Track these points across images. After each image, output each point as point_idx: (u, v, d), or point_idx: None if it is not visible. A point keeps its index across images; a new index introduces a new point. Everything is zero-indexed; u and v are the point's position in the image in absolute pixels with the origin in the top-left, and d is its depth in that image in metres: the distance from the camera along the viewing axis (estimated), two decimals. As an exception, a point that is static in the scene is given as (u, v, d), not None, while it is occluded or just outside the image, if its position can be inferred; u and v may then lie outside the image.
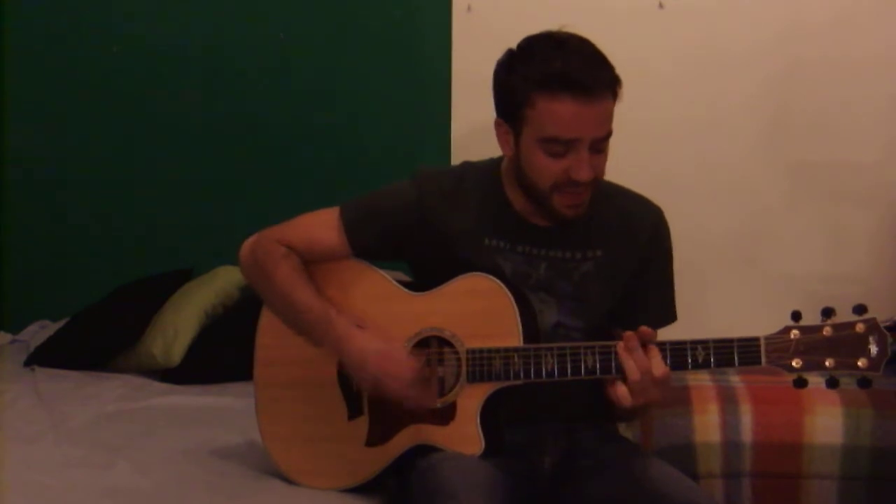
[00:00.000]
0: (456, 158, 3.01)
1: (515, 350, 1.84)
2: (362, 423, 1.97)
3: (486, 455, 1.85)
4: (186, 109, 3.36)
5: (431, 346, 1.92)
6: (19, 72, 3.42)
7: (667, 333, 1.89)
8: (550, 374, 1.82)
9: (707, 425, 2.50)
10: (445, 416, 1.89)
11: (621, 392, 1.76)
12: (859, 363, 1.67)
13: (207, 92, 3.34)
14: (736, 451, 2.48)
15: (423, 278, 1.98)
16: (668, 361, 1.75)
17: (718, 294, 2.97)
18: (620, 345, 1.77)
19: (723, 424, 2.49)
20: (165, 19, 3.35)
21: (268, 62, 3.30)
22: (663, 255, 2.01)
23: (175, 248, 3.36)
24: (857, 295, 1.79)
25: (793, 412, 2.48)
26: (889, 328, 1.68)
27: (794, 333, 1.71)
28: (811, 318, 1.71)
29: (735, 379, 2.61)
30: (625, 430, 2.28)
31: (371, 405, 1.96)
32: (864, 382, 1.69)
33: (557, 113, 1.78)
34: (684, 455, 2.46)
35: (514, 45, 1.88)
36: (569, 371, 1.81)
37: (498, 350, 1.85)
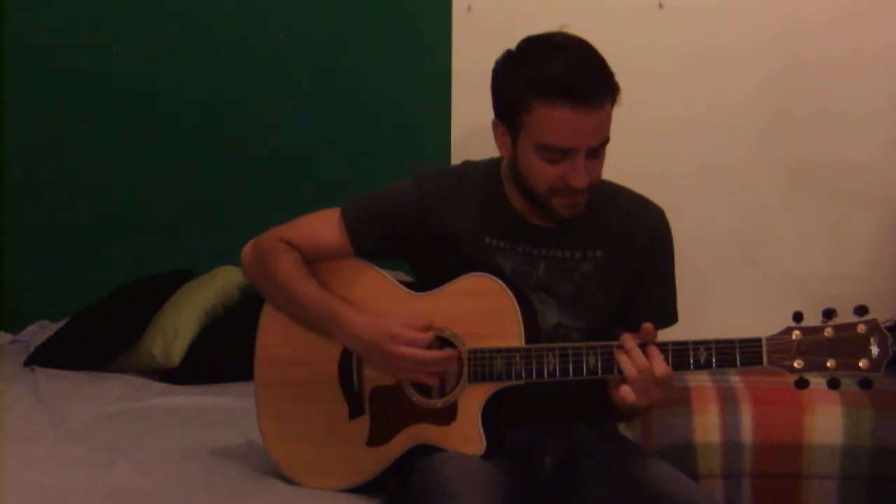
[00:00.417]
0: (456, 158, 3.00)
1: (517, 350, 1.84)
2: (363, 423, 1.97)
3: (487, 455, 1.85)
4: (186, 109, 3.36)
5: (433, 345, 1.91)
6: (19, 72, 3.42)
7: (667, 334, 1.89)
8: (552, 374, 1.82)
9: (707, 425, 2.50)
10: (447, 416, 1.89)
11: (623, 390, 1.76)
12: (860, 364, 1.67)
13: (207, 92, 3.34)
14: (736, 451, 2.48)
15: (425, 278, 1.98)
16: (670, 362, 1.75)
17: (718, 294, 2.97)
18: (617, 347, 1.77)
19: (723, 425, 2.49)
20: (165, 19, 3.35)
21: (268, 62, 3.30)
22: (664, 255, 2.01)
23: (175, 248, 3.36)
24: (857, 295, 1.79)
25: (793, 412, 2.48)
26: (890, 328, 1.68)
27: (796, 334, 1.71)
28: (812, 318, 1.71)
29: (735, 379, 2.61)
30: (625, 430, 2.28)
31: (372, 404, 1.96)
32: (865, 383, 1.69)
33: (555, 121, 1.77)
34: (684, 455, 2.46)
35: (513, 45, 1.88)
36: (570, 371, 1.81)
37: (500, 350, 1.85)
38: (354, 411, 1.98)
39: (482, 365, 1.86)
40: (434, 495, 1.75)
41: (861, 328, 1.68)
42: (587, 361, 1.80)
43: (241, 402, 2.50)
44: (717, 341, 1.74)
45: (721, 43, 2.95)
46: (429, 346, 1.86)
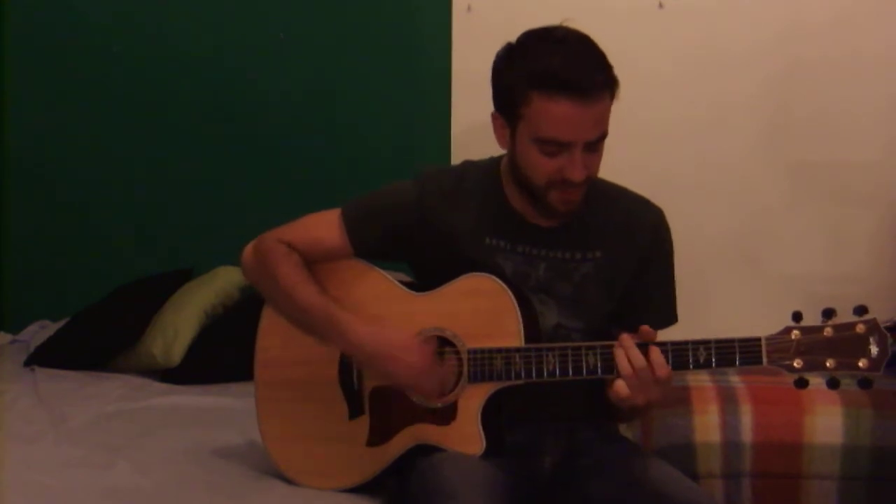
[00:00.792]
0: (456, 158, 3.00)
1: (517, 350, 1.84)
2: (363, 423, 1.97)
3: (486, 455, 1.85)
4: (186, 109, 3.36)
5: (433, 345, 1.91)
6: (19, 72, 3.42)
7: (667, 334, 1.89)
8: (552, 374, 1.82)
9: (707, 425, 2.49)
10: (446, 415, 1.89)
11: (618, 384, 1.75)
12: (860, 363, 1.67)
13: (208, 92, 3.34)
14: (736, 451, 2.48)
15: (425, 278, 1.98)
16: (670, 361, 1.75)
17: (718, 294, 2.97)
18: (615, 345, 1.77)
19: (723, 424, 2.49)
20: (166, 20, 3.35)
21: (268, 62, 3.30)
22: (664, 256, 2.01)
23: (175, 248, 3.36)
24: (857, 295, 1.79)
25: (793, 412, 2.48)
26: (889, 329, 1.68)
27: (795, 334, 1.71)
28: (812, 318, 1.71)
29: (735, 379, 2.61)
30: (625, 430, 2.27)
31: (372, 405, 1.96)
32: (864, 383, 1.69)
33: (553, 114, 1.78)
34: (684, 455, 2.46)
35: (514, 42, 1.89)
36: (570, 371, 1.81)
37: (499, 350, 1.85)
38: (354, 411, 1.98)
39: (482, 365, 1.86)
40: (434, 495, 1.75)
41: (860, 328, 1.68)
42: (587, 361, 1.80)
43: (241, 402, 2.49)
44: (717, 341, 1.74)
45: (721, 43, 2.95)
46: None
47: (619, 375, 1.76)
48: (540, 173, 1.83)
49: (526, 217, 1.94)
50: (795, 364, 1.70)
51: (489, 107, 1.94)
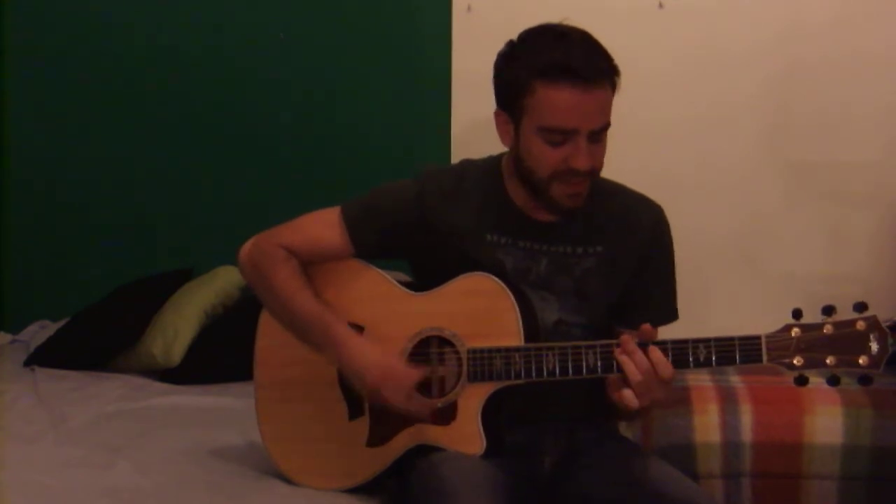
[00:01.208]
0: (456, 157, 2.99)
1: (516, 349, 1.84)
2: (363, 424, 1.97)
3: (486, 455, 1.85)
4: (186, 109, 3.36)
5: (432, 345, 1.91)
6: (19, 72, 3.42)
7: (667, 333, 1.89)
8: (551, 373, 1.82)
9: (707, 425, 2.49)
10: (446, 415, 1.88)
11: (627, 395, 1.75)
12: (860, 360, 1.67)
13: (207, 92, 3.34)
14: (736, 451, 2.48)
15: (424, 278, 1.98)
16: (670, 360, 1.75)
17: (718, 294, 2.97)
18: (618, 350, 1.77)
19: (723, 424, 2.49)
20: (165, 20, 3.35)
21: (268, 62, 3.30)
22: (664, 252, 2.01)
23: (175, 248, 3.36)
24: (856, 295, 1.79)
25: (793, 412, 2.48)
26: (890, 328, 1.68)
27: (795, 331, 1.71)
28: (811, 317, 1.71)
29: (735, 379, 2.61)
30: (625, 430, 2.28)
31: (372, 405, 1.96)
32: (864, 380, 1.69)
33: (557, 101, 1.79)
34: (684, 455, 2.46)
35: (514, 42, 1.90)
36: (570, 370, 1.81)
37: (499, 350, 1.85)
38: (354, 412, 1.98)
39: (481, 364, 1.86)
40: (434, 495, 1.75)
41: (860, 325, 1.68)
42: (587, 360, 1.80)
43: (241, 402, 2.49)
44: (717, 339, 1.74)
45: (721, 43, 2.95)
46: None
47: (621, 376, 1.76)
48: (545, 164, 1.83)
49: (527, 213, 1.94)
50: (795, 362, 1.70)
51: (489, 106, 1.94)
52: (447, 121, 3.11)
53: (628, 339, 1.76)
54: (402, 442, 1.93)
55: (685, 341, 1.75)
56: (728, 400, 2.52)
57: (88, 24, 3.39)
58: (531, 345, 1.84)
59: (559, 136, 1.81)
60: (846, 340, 1.68)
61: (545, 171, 1.84)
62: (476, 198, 1.96)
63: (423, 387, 1.91)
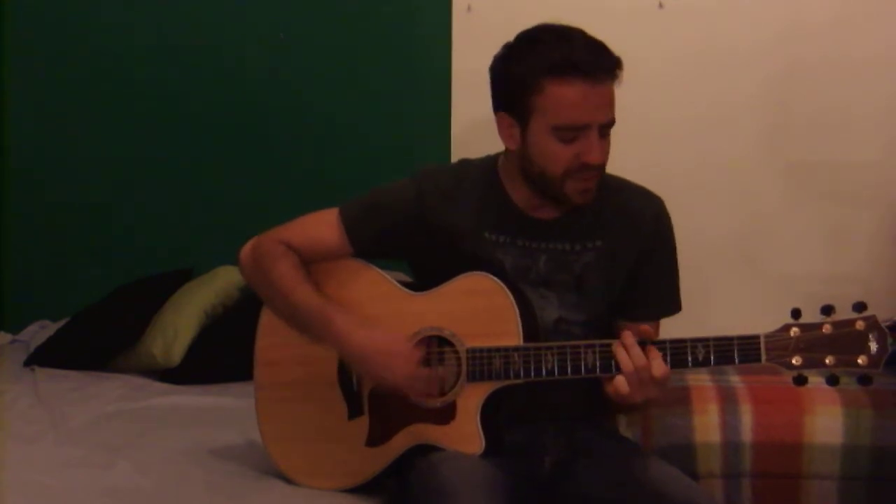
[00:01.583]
0: (456, 157, 2.96)
1: (515, 349, 1.84)
2: (362, 423, 1.97)
3: (486, 454, 1.85)
4: (186, 109, 3.36)
5: (431, 345, 1.92)
6: (19, 72, 3.43)
7: (667, 329, 1.89)
8: (550, 372, 1.82)
9: (707, 425, 2.49)
10: (445, 415, 1.89)
11: (618, 380, 1.76)
12: (859, 360, 1.67)
13: (207, 91, 3.34)
14: (736, 451, 2.47)
15: (424, 277, 1.98)
16: (668, 360, 1.75)
17: (718, 294, 2.96)
18: (616, 342, 1.77)
19: (723, 424, 2.49)
20: (165, 19, 3.35)
21: (268, 62, 3.30)
22: (666, 245, 2.01)
23: (175, 248, 3.36)
24: (856, 295, 1.79)
25: (793, 412, 2.48)
26: (890, 328, 1.68)
27: (794, 331, 1.71)
28: (811, 317, 1.71)
29: (735, 379, 2.60)
30: (625, 430, 2.28)
31: (371, 405, 1.96)
32: (864, 380, 1.69)
33: (568, 97, 1.80)
34: (684, 455, 2.45)
35: (512, 43, 1.90)
36: (569, 370, 1.81)
37: (498, 349, 1.85)
38: (353, 411, 1.98)
39: (480, 364, 1.86)
40: (433, 495, 1.75)
41: (860, 325, 1.68)
42: (585, 360, 1.80)
43: (241, 402, 2.49)
44: (716, 339, 1.74)
45: (721, 43, 2.95)
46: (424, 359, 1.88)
47: (619, 372, 1.76)
48: (558, 162, 1.84)
49: (525, 211, 1.95)
50: (794, 361, 1.70)
51: (489, 106, 1.94)
52: (447, 121, 3.11)
53: (628, 334, 1.77)
54: (402, 442, 1.93)
55: (684, 341, 1.76)
56: (728, 400, 2.52)
57: (88, 24, 3.39)
58: (530, 344, 1.84)
59: (571, 132, 1.82)
60: (845, 340, 1.68)
61: (558, 168, 1.84)
62: (474, 197, 1.97)
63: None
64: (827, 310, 1.69)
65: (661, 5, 2.97)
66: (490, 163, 2.00)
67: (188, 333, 2.94)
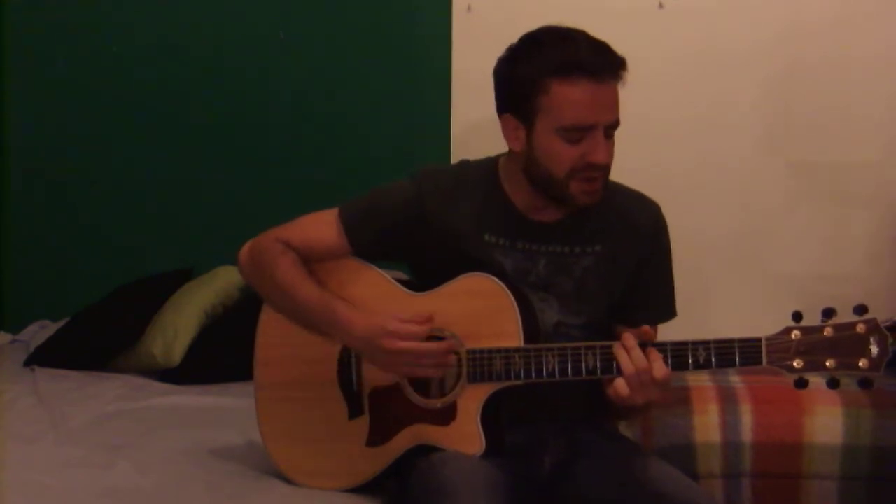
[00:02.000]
0: (456, 158, 2.97)
1: (516, 350, 1.84)
2: (363, 423, 1.97)
3: (486, 455, 1.85)
4: (186, 109, 3.36)
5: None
6: (20, 72, 3.42)
7: (667, 333, 1.89)
8: (551, 374, 1.82)
9: (707, 425, 2.49)
10: (446, 416, 1.89)
11: (618, 383, 1.76)
12: (860, 363, 1.67)
13: (207, 92, 3.34)
14: (736, 451, 2.48)
15: (423, 278, 1.98)
16: (669, 362, 1.75)
17: (718, 294, 2.97)
18: (617, 344, 1.77)
19: (723, 424, 2.49)
20: (165, 19, 3.35)
21: (268, 62, 3.30)
22: (662, 251, 2.02)
23: (175, 248, 3.36)
24: (857, 295, 1.79)
25: (793, 412, 2.48)
26: (889, 328, 1.68)
27: (795, 334, 1.70)
28: (811, 318, 1.71)
29: (735, 379, 2.61)
30: (625, 430, 2.28)
31: (372, 405, 1.96)
32: (865, 383, 1.69)
33: (575, 98, 1.80)
34: (684, 455, 2.46)
35: (514, 44, 1.90)
36: (569, 371, 1.81)
37: (498, 350, 1.85)
38: (354, 411, 1.98)
39: (481, 365, 1.86)
40: (434, 495, 1.75)
41: (860, 328, 1.68)
42: (586, 361, 1.80)
43: (241, 402, 2.49)
44: (717, 341, 1.74)
45: (721, 43, 2.95)
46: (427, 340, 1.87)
47: (619, 374, 1.76)
48: (563, 163, 1.84)
49: (526, 213, 1.95)
50: (795, 364, 1.70)
51: (490, 106, 1.94)
52: (447, 121, 3.11)
53: (629, 336, 1.77)
54: (402, 442, 1.93)
55: (685, 343, 1.75)
56: (728, 400, 2.52)
57: (88, 24, 3.39)
58: (531, 346, 1.84)
59: (577, 133, 1.82)
60: (846, 343, 1.68)
61: (563, 169, 1.84)
62: (474, 198, 1.96)
63: (423, 387, 1.91)
64: (828, 313, 1.69)
65: (661, 5, 2.97)
66: (490, 164, 2.00)
67: (188, 333, 2.94)
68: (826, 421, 2.47)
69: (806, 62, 2.92)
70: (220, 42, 3.32)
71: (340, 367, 1.99)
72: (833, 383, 1.71)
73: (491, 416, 1.87)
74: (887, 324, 1.69)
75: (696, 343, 1.75)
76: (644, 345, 1.76)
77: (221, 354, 2.86)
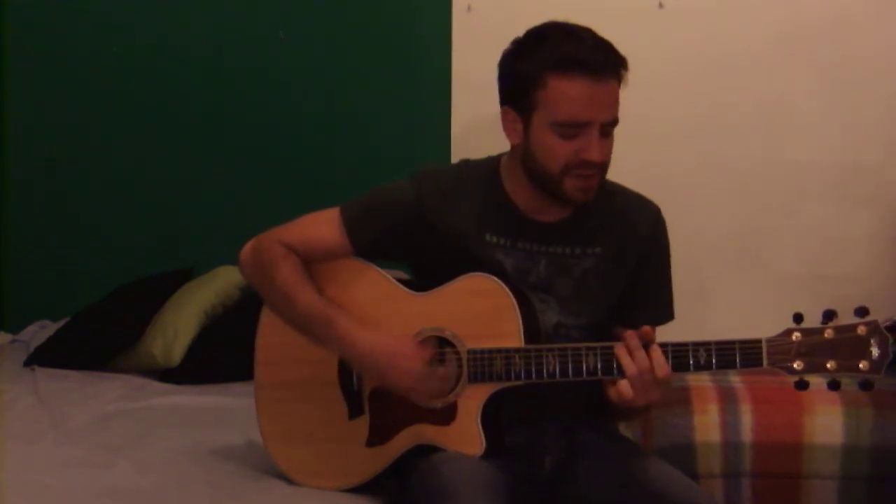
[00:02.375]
0: (456, 158, 2.96)
1: (516, 350, 1.84)
2: (363, 423, 1.97)
3: (486, 455, 1.85)
4: (186, 109, 3.36)
5: (432, 346, 1.91)
6: (19, 72, 3.42)
7: (667, 334, 1.89)
8: (552, 374, 1.82)
9: (707, 425, 2.50)
10: (446, 416, 1.89)
11: (622, 385, 1.76)
12: (861, 365, 1.67)
13: (207, 92, 3.34)
14: (736, 451, 2.48)
15: (424, 278, 1.98)
16: (670, 363, 1.75)
17: (718, 294, 2.97)
18: (619, 345, 1.77)
19: (723, 424, 2.49)
20: (165, 19, 3.35)
21: (268, 62, 3.30)
22: (661, 252, 2.02)
23: (175, 248, 3.36)
24: (857, 295, 1.80)
25: (793, 412, 2.48)
26: (889, 329, 1.68)
27: (796, 335, 1.70)
28: (812, 319, 1.71)
29: (735, 379, 2.61)
30: (625, 430, 2.28)
31: (372, 405, 1.97)
32: (865, 385, 1.68)
33: (571, 93, 1.80)
34: (684, 455, 2.46)
35: (515, 44, 1.90)
36: (570, 372, 1.81)
37: (499, 350, 1.85)
38: (354, 411, 1.98)
39: (481, 365, 1.86)
40: (434, 496, 1.75)
41: (861, 329, 1.67)
42: (587, 362, 1.80)
43: (241, 402, 2.49)
44: (717, 342, 1.73)
45: (721, 43, 2.95)
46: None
47: (621, 376, 1.76)
48: (557, 159, 1.84)
49: (526, 213, 1.95)
50: (796, 366, 1.69)
51: (489, 106, 1.94)
52: (447, 121, 3.11)
53: (632, 336, 1.77)
54: (402, 442, 1.93)
55: (685, 344, 1.75)
56: (728, 400, 2.52)
57: (88, 23, 3.39)
58: (531, 346, 1.84)
59: (572, 128, 1.82)
60: (847, 345, 1.68)
61: (557, 164, 1.84)
62: (475, 198, 1.96)
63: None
64: (829, 314, 1.69)
65: (661, 5, 2.97)
66: (492, 164, 2.00)
67: (188, 333, 2.94)
68: (826, 421, 2.47)
69: (806, 62, 2.92)
70: (220, 42, 3.32)
71: (341, 368, 1.99)
72: (834, 385, 1.71)
73: (491, 416, 1.87)
74: (887, 324, 1.69)
75: (696, 344, 1.75)
76: (645, 345, 1.76)
77: (221, 354, 2.86)
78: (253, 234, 2.08)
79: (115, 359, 2.95)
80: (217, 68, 3.33)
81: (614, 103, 1.85)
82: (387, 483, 2.00)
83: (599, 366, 1.79)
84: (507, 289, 1.86)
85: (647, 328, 1.77)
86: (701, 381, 2.60)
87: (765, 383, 2.57)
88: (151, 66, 3.36)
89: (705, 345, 1.74)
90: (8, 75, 3.42)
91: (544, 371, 1.82)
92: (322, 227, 2.01)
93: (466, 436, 1.87)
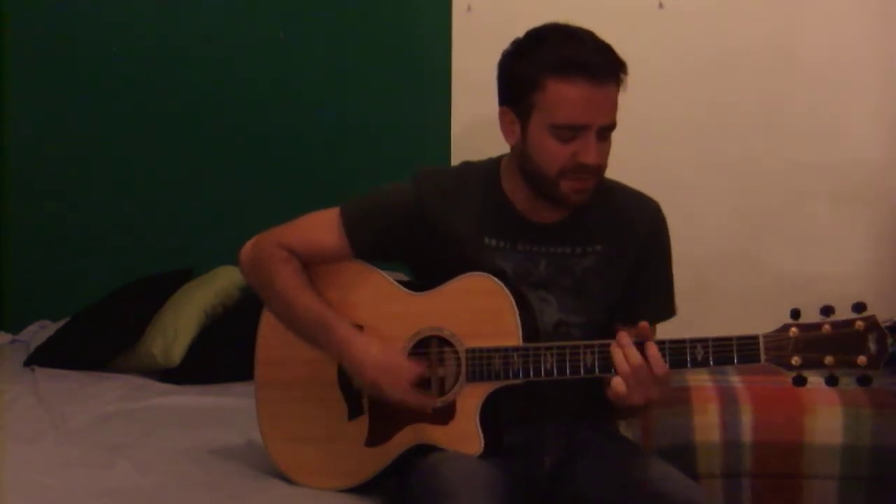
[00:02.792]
0: (456, 159, 3.00)
1: (515, 349, 1.84)
2: (362, 423, 1.97)
3: (485, 454, 1.85)
4: (186, 109, 3.36)
5: (431, 345, 1.92)
6: (19, 72, 3.43)
7: (666, 331, 1.89)
8: (550, 373, 1.82)
9: (707, 425, 2.49)
10: (445, 415, 1.89)
11: (616, 382, 1.75)
12: (859, 361, 1.67)
13: (207, 92, 3.34)
14: (736, 451, 2.48)
15: (424, 279, 1.98)
16: (667, 360, 1.75)
17: (718, 294, 2.97)
18: (613, 342, 1.77)
19: (723, 424, 2.49)
20: (165, 19, 3.35)
21: (268, 62, 3.30)
22: (662, 249, 2.02)
23: (175, 248, 3.36)
24: (856, 295, 1.78)
25: (793, 412, 2.48)
26: (889, 329, 1.68)
27: (794, 331, 1.70)
28: (810, 316, 1.71)
29: (735, 379, 2.61)
30: (625, 430, 2.28)
31: (371, 405, 1.97)
32: (863, 380, 1.68)
33: (569, 96, 1.80)
34: (684, 455, 2.46)
35: (515, 44, 1.90)
36: (568, 370, 1.81)
37: (497, 349, 1.85)
38: (353, 411, 1.98)
39: (480, 364, 1.86)
40: (433, 495, 1.75)
41: (859, 325, 1.67)
42: (584, 360, 1.80)
43: (241, 402, 2.49)
44: (714, 339, 1.73)
45: (721, 43, 2.95)
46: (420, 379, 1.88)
47: (617, 374, 1.76)
48: (554, 161, 1.84)
49: (526, 215, 1.95)
50: (794, 361, 1.69)
51: (489, 106, 1.94)
52: (447, 121, 3.11)
53: (624, 334, 1.77)
54: (402, 441, 1.93)
55: (683, 341, 1.75)
56: (728, 400, 2.52)
57: (88, 24, 3.39)
58: (529, 345, 1.84)
59: (569, 131, 1.82)
60: (845, 340, 1.68)
61: (553, 167, 1.84)
62: (474, 200, 1.96)
63: (423, 386, 1.91)
64: (826, 310, 1.68)
65: (661, 5, 2.97)
66: (492, 165, 2.00)
67: (188, 333, 2.95)
68: (826, 421, 2.47)
69: (806, 62, 2.92)
70: (220, 42, 3.32)
71: (340, 368, 1.99)
72: (832, 380, 1.70)
73: (490, 415, 1.87)
74: (887, 324, 1.68)
75: (693, 341, 1.74)
76: (642, 342, 1.76)
77: (221, 354, 2.86)
78: (253, 234, 2.08)
79: (115, 359, 2.95)
80: (217, 68, 3.33)
81: (613, 107, 1.85)
82: (386, 483, 2.00)
83: (597, 364, 1.79)
84: (505, 288, 1.86)
85: (644, 324, 1.77)
86: (701, 381, 2.60)
87: (765, 383, 2.57)
88: (151, 67, 3.36)
89: (702, 341, 1.74)
90: (8, 76, 3.42)
91: (542, 370, 1.82)
92: (322, 227, 2.01)
93: (465, 435, 1.87)
